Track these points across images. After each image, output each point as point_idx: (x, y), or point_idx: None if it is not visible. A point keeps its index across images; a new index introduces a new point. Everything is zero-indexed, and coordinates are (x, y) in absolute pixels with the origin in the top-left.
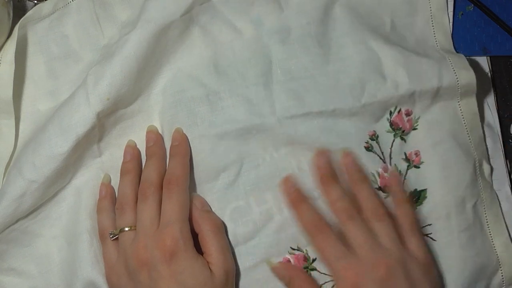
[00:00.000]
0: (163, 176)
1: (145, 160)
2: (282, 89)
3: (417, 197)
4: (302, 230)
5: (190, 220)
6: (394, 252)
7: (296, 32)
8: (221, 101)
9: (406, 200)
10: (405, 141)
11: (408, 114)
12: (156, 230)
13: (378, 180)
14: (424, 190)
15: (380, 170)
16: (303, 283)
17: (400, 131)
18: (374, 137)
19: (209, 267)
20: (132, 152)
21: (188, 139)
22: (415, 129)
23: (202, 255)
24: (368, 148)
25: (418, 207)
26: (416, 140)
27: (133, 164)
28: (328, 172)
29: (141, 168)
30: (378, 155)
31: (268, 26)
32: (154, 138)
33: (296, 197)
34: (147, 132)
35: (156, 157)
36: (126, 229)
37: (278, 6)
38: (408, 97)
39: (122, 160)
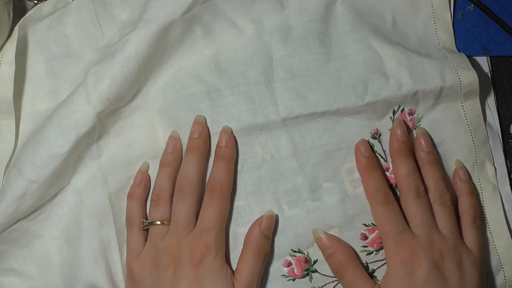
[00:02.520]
0: (202, 174)
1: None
2: (284, 87)
3: None
4: (367, 196)
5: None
6: (449, 239)
7: (297, 30)
8: (222, 98)
9: (472, 192)
10: None
11: (411, 113)
12: (191, 232)
13: None
14: None
15: None
16: (344, 258)
17: None
18: (376, 135)
19: (233, 281)
20: (174, 144)
21: (235, 141)
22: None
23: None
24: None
25: None
26: None
27: (174, 156)
28: (404, 146)
29: (180, 161)
30: (379, 154)
31: (269, 24)
32: (200, 130)
33: (368, 163)
34: (194, 122)
35: (198, 153)
36: (158, 222)
37: (279, 4)
38: (411, 96)
39: (120, 158)
